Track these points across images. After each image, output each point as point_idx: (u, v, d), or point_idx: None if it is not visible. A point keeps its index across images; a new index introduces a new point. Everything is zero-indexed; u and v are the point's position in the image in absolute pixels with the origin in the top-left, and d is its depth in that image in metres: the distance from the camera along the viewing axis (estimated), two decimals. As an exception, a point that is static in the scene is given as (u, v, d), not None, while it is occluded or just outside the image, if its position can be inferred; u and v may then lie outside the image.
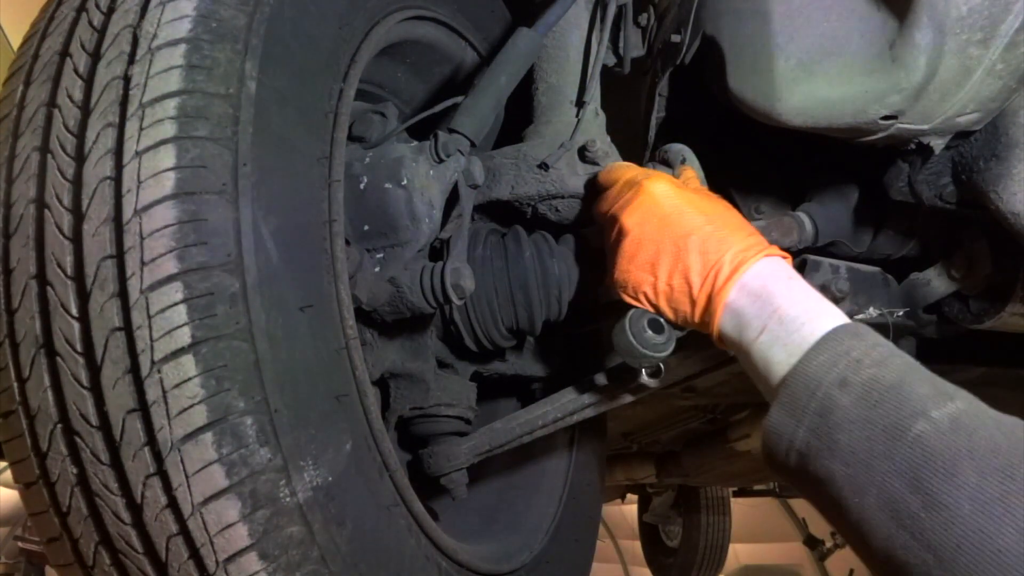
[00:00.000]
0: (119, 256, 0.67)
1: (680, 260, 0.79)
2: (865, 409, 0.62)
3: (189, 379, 0.65)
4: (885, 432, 0.60)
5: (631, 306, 0.85)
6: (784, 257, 0.79)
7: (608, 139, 1.09)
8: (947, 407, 0.60)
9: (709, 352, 1.03)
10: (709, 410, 2.42)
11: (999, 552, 0.52)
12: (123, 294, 0.67)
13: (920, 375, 0.64)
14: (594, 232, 1.15)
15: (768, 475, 3.59)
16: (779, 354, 0.71)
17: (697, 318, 0.79)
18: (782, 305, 0.73)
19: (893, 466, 0.58)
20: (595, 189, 0.97)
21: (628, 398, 1.01)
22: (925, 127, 0.94)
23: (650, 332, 0.83)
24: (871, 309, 1.16)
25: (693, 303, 0.79)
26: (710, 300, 0.77)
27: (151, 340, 0.65)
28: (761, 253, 0.77)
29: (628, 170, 0.91)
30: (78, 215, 0.69)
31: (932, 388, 0.62)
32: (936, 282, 1.17)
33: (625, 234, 0.84)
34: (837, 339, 0.68)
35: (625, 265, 0.83)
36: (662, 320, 0.84)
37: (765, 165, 1.27)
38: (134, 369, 0.66)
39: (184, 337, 0.65)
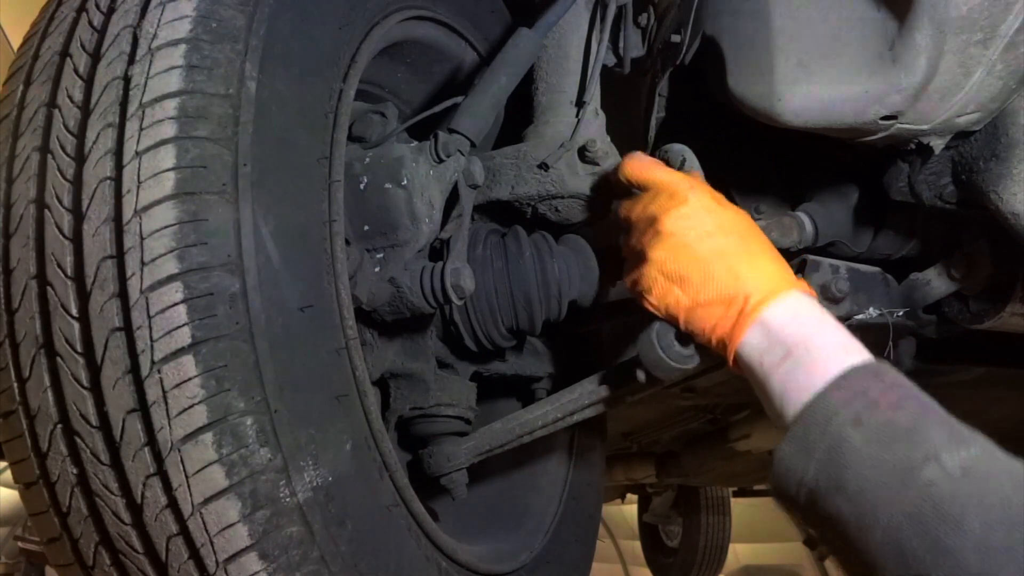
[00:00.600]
0: (119, 256, 0.67)
1: (713, 278, 0.78)
2: (877, 449, 0.61)
3: (189, 379, 0.65)
4: (895, 474, 0.60)
5: (645, 311, 0.84)
6: (811, 295, 0.78)
7: (608, 139, 1.09)
8: (960, 453, 0.59)
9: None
10: (709, 410, 2.42)
11: None
12: (123, 294, 0.67)
13: (937, 418, 0.63)
14: (594, 232, 1.15)
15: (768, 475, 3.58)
16: (799, 383, 0.70)
17: (717, 339, 0.78)
18: (810, 335, 0.72)
19: (901, 508, 0.58)
20: (616, 184, 0.94)
21: (628, 398, 1.01)
22: (925, 127, 0.94)
23: (678, 345, 0.83)
24: (871, 309, 1.16)
25: (718, 322, 0.77)
26: (736, 323, 0.76)
27: (151, 340, 0.66)
28: (793, 287, 0.76)
29: (664, 172, 0.88)
30: (78, 215, 0.69)
31: (947, 433, 0.61)
32: (936, 282, 1.17)
33: (660, 240, 0.82)
34: (856, 377, 0.67)
35: (654, 272, 0.81)
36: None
37: (765, 165, 1.27)
38: (134, 369, 0.66)
39: (184, 337, 0.66)
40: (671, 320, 0.83)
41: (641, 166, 0.90)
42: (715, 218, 0.81)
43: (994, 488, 0.57)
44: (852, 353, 0.70)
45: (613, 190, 0.97)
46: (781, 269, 0.79)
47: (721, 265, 0.78)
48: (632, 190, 0.91)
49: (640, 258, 0.84)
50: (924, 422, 0.62)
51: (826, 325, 0.73)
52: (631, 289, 0.86)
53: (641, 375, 0.90)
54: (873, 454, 0.61)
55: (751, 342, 0.75)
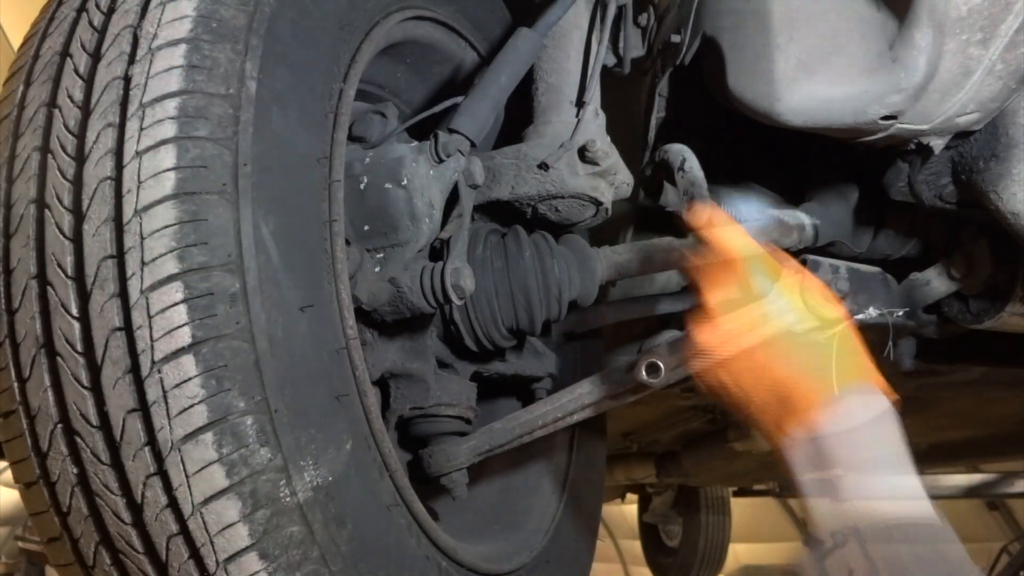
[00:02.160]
0: (119, 256, 0.67)
1: (779, 383, 0.75)
2: None
3: (189, 379, 0.65)
4: None
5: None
6: (893, 400, 0.75)
7: (608, 139, 1.09)
8: None
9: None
10: (709, 410, 2.42)
11: None
12: (123, 294, 0.67)
13: None
14: (595, 232, 1.15)
15: (768, 475, 3.59)
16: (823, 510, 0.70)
17: (778, 436, 0.75)
18: (843, 461, 0.71)
19: None
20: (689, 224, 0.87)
21: (628, 398, 1.01)
22: (925, 127, 0.94)
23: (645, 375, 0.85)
24: (871, 309, 1.16)
25: (778, 421, 0.75)
26: (791, 426, 0.73)
27: (151, 340, 0.66)
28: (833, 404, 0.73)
29: (740, 240, 0.81)
30: (78, 215, 0.69)
31: None
32: (936, 282, 1.17)
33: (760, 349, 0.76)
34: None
35: (731, 375, 0.77)
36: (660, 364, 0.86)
37: (765, 165, 1.27)
38: (134, 369, 0.66)
39: (184, 337, 0.65)
40: (740, 407, 0.79)
41: (724, 233, 0.82)
42: (790, 319, 0.76)
43: None
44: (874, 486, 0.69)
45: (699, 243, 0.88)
46: (861, 373, 0.75)
47: (789, 366, 0.74)
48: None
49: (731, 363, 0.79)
50: None
51: (862, 454, 0.71)
52: (702, 357, 0.80)
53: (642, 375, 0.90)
54: None
55: (800, 452, 0.73)
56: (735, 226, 0.84)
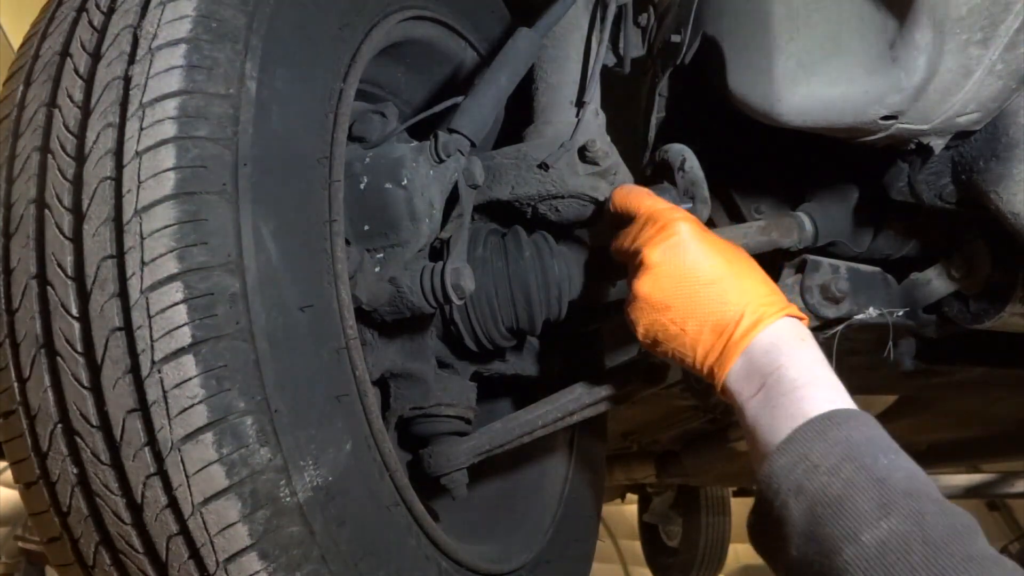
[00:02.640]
0: (119, 256, 0.67)
1: (699, 306, 0.78)
2: (810, 526, 0.63)
3: (189, 379, 0.65)
4: (820, 554, 0.61)
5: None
6: (801, 318, 0.78)
7: (608, 139, 1.09)
8: (879, 528, 0.59)
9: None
10: (709, 410, 2.42)
11: None
12: (123, 294, 0.67)
13: (869, 480, 0.63)
14: (594, 232, 1.15)
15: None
16: (764, 422, 0.72)
17: (707, 367, 0.78)
18: (784, 366, 0.73)
19: None
20: (608, 215, 0.94)
21: (628, 398, 1.01)
22: (925, 127, 0.94)
23: None
24: (871, 309, 1.16)
25: (707, 351, 0.78)
26: (724, 351, 0.76)
27: (151, 340, 0.66)
28: (782, 311, 0.76)
29: (650, 200, 0.88)
30: (78, 215, 0.69)
31: (874, 500, 0.61)
32: (936, 282, 1.17)
33: (646, 270, 0.81)
34: (800, 440, 0.68)
35: (640, 303, 0.82)
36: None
37: (765, 165, 1.27)
38: (134, 369, 0.66)
39: (184, 337, 0.66)
40: (659, 352, 0.82)
41: (627, 195, 0.90)
42: (701, 246, 0.81)
43: (905, 567, 0.56)
44: (818, 390, 0.71)
45: (607, 221, 0.97)
46: (770, 293, 0.78)
47: (705, 291, 0.78)
48: (623, 220, 0.91)
49: (629, 289, 0.85)
50: (854, 490, 0.62)
51: (800, 356, 0.74)
52: (627, 321, 0.85)
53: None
54: (807, 531, 0.63)
55: (735, 371, 0.76)
56: (637, 187, 0.92)
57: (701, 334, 0.78)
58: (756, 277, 0.80)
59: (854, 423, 0.67)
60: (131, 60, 0.72)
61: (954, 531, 0.58)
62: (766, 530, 0.68)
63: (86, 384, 0.68)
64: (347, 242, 0.92)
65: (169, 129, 0.68)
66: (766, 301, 0.77)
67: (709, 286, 0.78)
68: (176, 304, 0.66)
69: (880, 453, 0.65)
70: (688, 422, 2.57)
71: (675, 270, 0.80)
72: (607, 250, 0.93)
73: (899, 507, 0.60)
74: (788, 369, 0.72)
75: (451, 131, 0.98)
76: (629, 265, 0.86)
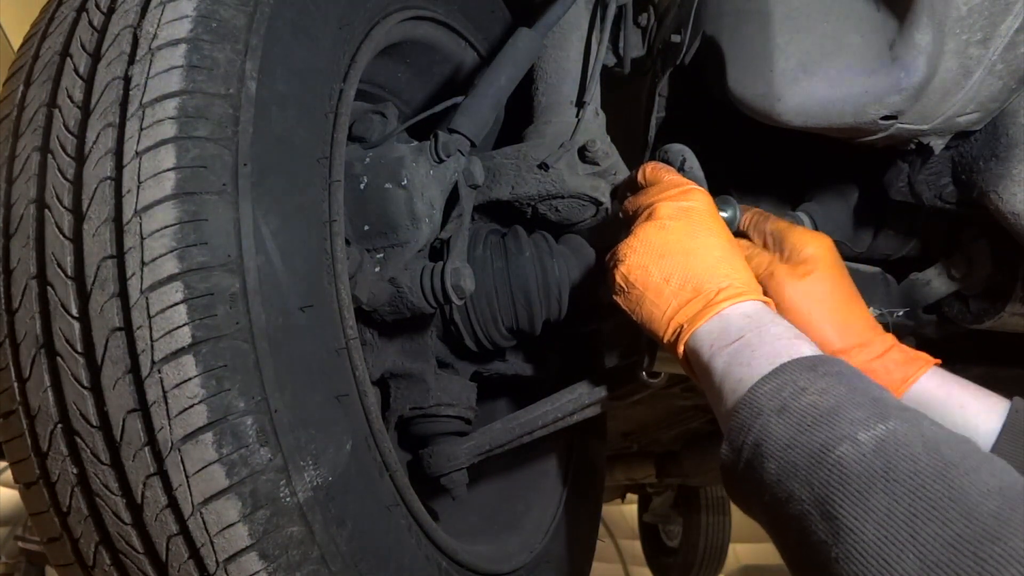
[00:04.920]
0: (119, 256, 0.67)
1: (691, 266, 0.79)
2: (796, 434, 0.59)
3: (189, 379, 0.65)
4: (810, 457, 0.57)
5: (610, 280, 0.85)
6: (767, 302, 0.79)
7: (608, 139, 1.09)
8: (877, 429, 0.56)
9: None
10: (709, 410, 2.41)
11: None
12: (123, 294, 0.67)
13: (864, 398, 0.60)
14: (595, 232, 1.15)
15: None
16: (738, 370, 0.69)
17: (675, 322, 0.78)
18: (765, 324, 0.73)
19: (811, 493, 0.56)
20: (628, 187, 0.97)
21: (628, 398, 1.01)
22: (925, 127, 0.94)
23: None
24: (871, 309, 1.15)
25: (682, 306, 0.78)
26: (701, 310, 0.77)
27: (151, 340, 0.66)
28: (758, 295, 0.78)
29: (676, 174, 0.92)
30: (78, 215, 0.69)
31: (869, 411, 0.58)
32: (936, 282, 1.17)
33: (655, 218, 0.83)
34: (788, 369, 0.65)
35: (636, 244, 0.82)
36: None
37: (765, 165, 1.27)
38: (134, 369, 0.66)
39: (184, 337, 0.65)
40: (626, 299, 0.83)
41: (657, 168, 0.93)
42: (711, 219, 0.83)
43: (905, 457, 0.53)
44: (803, 344, 0.70)
45: (620, 196, 0.99)
46: (754, 280, 0.80)
47: (703, 255, 0.79)
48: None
49: (630, 232, 0.85)
50: (848, 402, 0.60)
51: (783, 323, 0.74)
52: (607, 260, 0.86)
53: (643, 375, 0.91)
54: (792, 441, 0.59)
55: (707, 328, 0.76)
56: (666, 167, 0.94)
57: (683, 290, 0.78)
58: (746, 264, 0.82)
59: (845, 365, 0.65)
60: (131, 60, 0.72)
61: (953, 436, 0.56)
62: (740, 453, 0.64)
63: (86, 384, 0.68)
64: (347, 242, 0.92)
65: (169, 129, 0.68)
66: (754, 285, 0.79)
67: (707, 252, 0.80)
68: (176, 304, 0.66)
69: (873, 386, 0.63)
70: (688, 422, 2.56)
71: (682, 227, 0.82)
72: (607, 250, 0.93)
73: (897, 415, 0.58)
74: (771, 327, 0.72)
75: (451, 131, 0.98)
76: (637, 217, 0.87)
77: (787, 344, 0.69)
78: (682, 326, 0.77)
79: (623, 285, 0.83)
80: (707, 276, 0.78)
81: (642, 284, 0.81)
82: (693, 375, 0.79)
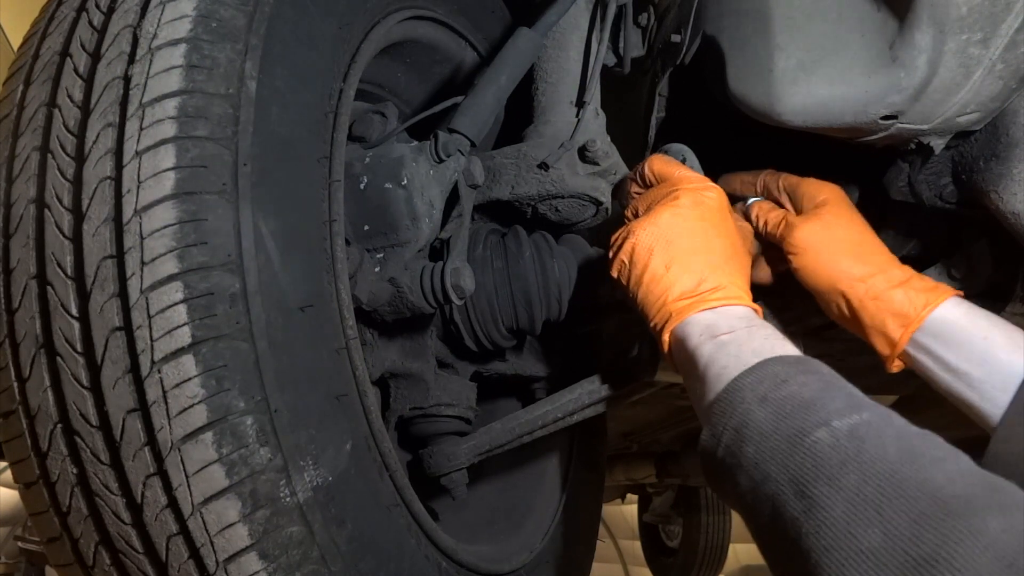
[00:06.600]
0: (119, 256, 0.67)
1: (698, 258, 0.80)
2: (775, 421, 0.62)
3: (189, 379, 0.65)
4: (787, 441, 0.60)
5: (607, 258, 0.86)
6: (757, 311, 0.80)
7: (608, 139, 1.09)
8: (851, 418, 0.59)
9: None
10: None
11: (862, 553, 0.51)
12: (123, 294, 0.67)
13: (841, 392, 0.63)
14: (595, 232, 1.15)
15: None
16: (722, 361, 0.71)
17: (669, 310, 0.79)
18: (755, 326, 0.75)
19: (787, 475, 0.58)
20: (635, 182, 0.99)
21: (628, 398, 1.01)
22: (925, 127, 0.94)
23: None
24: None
25: (680, 294, 0.79)
26: (696, 301, 0.78)
27: (151, 340, 0.65)
28: (752, 304, 0.79)
29: (689, 170, 0.93)
30: (78, 215, 0.69)
31: (845, 402, 0.61)
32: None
33: (672, 205, 0.84)
34: (772, 363, 0.68)
35: (648, 225, 0.83)
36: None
37: (765, 165, 1.27)
38: (134, 369, 0.66)
39: (184, 337, 0.65)
40: (626, 276, 0.83)
41: (667, 162, 0.94)
42: (723, 220, 0.85)
43: (876, 444, 0.56)
44: (789, 345, 0.72)
45: (627, 192, 0.99)
46: (749, 291, 0.82)
47: (710, 251, 0.81)
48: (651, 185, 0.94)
49: (646, 215, 0.86)
50: (826, 394, 0.62)
51: (771, 328, 0.75)
52: (614, 238, 0.87)
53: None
54: (771, 427, 0.61)
55: (699, 318, 0.77)
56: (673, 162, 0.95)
57: (682, 276, 0.79)
58: (748, 276, 0.84)
59: (825, 367, 0.67)
60: (131, 60, 0.72)
61: (922, 431, 0.59)
62: (720, 438, 0.66)
63: (86, 384, 0.68)
64: (347, 242, 0.92)
65: (169, 129, 0.68)
66: (749, 295, 0.80)
67: (714, 249, 0.81)
68: (176, 304, 0.66)
69: (850, 385, 0.65)
70: (688, 422, 2.56)
71: (698, 216, 0.83)
72: (607, 250, 0.93)
73: (871, 408, 0.61)
74: (761, 328, 0.74)
75: (451, 131, 0.98)
76: (649, 206, 0.88)
77: (774, 343, 0.72)
78: (671, 314, 0.79)
79: (625, 260, 0.84)
80: (709, 272, 0.79)
81: (643, 264, 0.82)
82: (672, 363, 0.80)
